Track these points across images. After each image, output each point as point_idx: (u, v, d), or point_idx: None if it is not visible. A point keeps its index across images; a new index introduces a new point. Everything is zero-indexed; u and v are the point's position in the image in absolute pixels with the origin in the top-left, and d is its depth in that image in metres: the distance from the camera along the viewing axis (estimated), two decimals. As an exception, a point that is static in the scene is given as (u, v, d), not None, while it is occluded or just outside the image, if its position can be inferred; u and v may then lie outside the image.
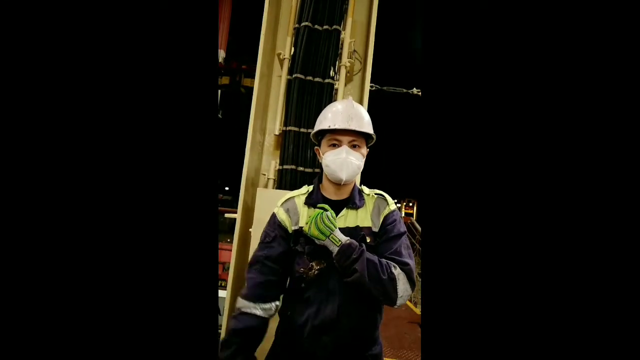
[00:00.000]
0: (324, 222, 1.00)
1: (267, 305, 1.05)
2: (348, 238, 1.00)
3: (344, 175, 1.05)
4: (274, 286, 1.07)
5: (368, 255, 0.99)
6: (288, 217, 1.10)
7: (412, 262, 1.03)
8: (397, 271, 0.99)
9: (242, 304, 1.04)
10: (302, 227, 1.07)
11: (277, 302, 1.08)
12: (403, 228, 1.10)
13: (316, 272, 1.02)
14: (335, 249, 0.99)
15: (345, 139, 1.06)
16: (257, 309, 1.03)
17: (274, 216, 1.12)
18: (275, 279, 1.07)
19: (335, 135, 1.07)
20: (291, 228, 1.09)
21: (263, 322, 1.04)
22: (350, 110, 1.07)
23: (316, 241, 1.01)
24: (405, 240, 1.08)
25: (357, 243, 1.00)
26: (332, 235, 1.00)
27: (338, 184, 1.08)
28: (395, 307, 1.01)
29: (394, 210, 1.13)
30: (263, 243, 1.10)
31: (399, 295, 0.98)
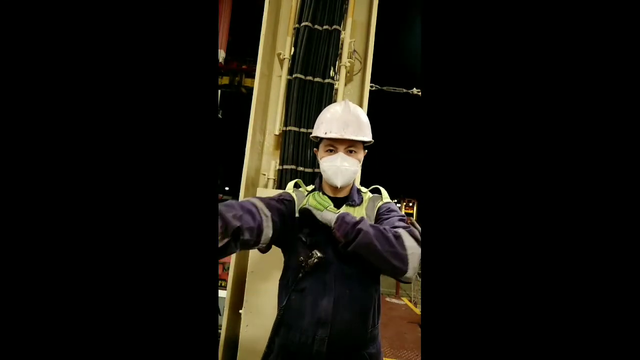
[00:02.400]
0: (320, 197, 1.03)
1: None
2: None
3: (339, 182, 1.08)
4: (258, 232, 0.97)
5: (365, 220, 0.98)
6: (298, 202, 1.13)
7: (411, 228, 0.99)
8: (399, 229, 0.96)
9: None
10: (303, 208, 1.07)
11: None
12: (400, 213, 1.11)
13: (316, 260, 1.03)
14: (334, 217, 0.99)
15: (341, 145, 1.09)
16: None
17: (283, 194, 1.15)
18: (268, 221, 1.00)
19: (331, 142, 1.10)
20: (297, 212, 1.11)
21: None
22: (346, 115, 1.09)
23: (314, 213, 1.00)
24: (402, 220, 1.05)
25: (351, 214, 1.01)
26: (329, 207, 1.01)
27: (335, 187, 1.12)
28: (406, 274, 0.92)
29: (387, 202, 1.17)
30: (274, 199, 1.07)
31: (408, 252, 0.91)
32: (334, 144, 1.09)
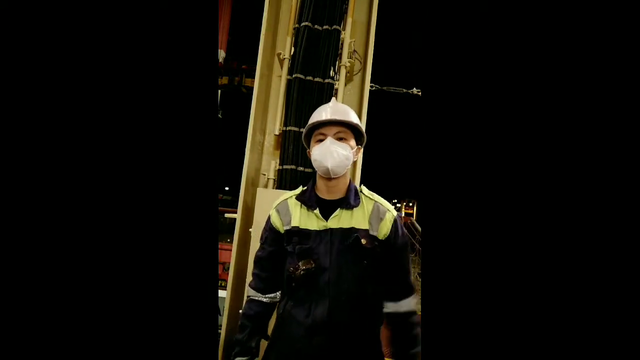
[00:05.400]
0: None
1: (271, 295, 1.16)
2: None
3: (329, 164, 1.02)
4: (274, 280, 1.15)
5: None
6: (279, 218, 1.12)
7: (411, 275, 1.15)
8: (415, 318, 1.09)
9: (251, 292, 1.17)
10: (294, 227, 1.09)
11: (280, 290, 1.17)
12: (405, 235, 1.15)
13: (302, 272, 1.03)
14: None
15: (331, 130, 1.06)
16: (263, 298, 1.15)
17: (268, 218, 1.17)
18: (274, 274, 1.15)
19: (321, 130, 1.07)
20: (283, 229, 1.11)
21: (270, 306, 1.17)
22: (335, 106, 1.12)
23: None
24: (408, 250, 1.17)
25: None
26: None
27: (329, 179, 1.07)
28: None
29: (397, 216, 1.14)
30: (260, 244, 1.19)
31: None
32: (323, 132, 1.07)
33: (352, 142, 1.10)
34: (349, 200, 1.09)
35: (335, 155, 1.03)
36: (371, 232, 1.08)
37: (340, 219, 1.08)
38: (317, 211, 1.08)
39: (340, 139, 1.06)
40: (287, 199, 1.16)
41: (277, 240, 1.12)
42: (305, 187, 1.16)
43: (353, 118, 1.10)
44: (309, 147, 1.16)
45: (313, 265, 1.03)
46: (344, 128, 1.07)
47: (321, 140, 1.07)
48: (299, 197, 1.13)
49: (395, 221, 1.10)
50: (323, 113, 1.09)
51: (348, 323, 1.03)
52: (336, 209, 1.09)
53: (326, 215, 1.08)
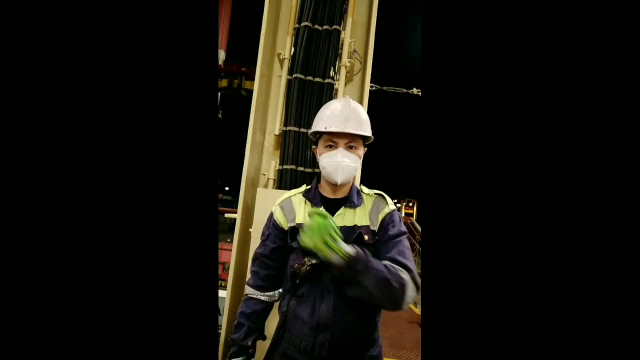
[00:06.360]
0: (328, 233, 0.94)
1: (270, 293, 1.14)
2: (354, 249, 0.96)
3: (339, 179, 1.05)
4: (273, 278, 1.14)
5: (374, 264, 0.95)
6: (283, 215, 1.13)
7: (414, 266, 1.02)
8: (405, 276, 0.96)
9: (249, 290, 1.15)
10: (298, 224, 1.09)
11: (280, 289, 1.16)
12: (403, 228, 1.11)
13: (308, 267, 1.03)
14: (341, 262, 0.94)
15: (342, 141, 1.07)
16: (262, 296, 1.14)
17: (271, 215, 1.17)
18: (274, 272, 1.14)
19: (331, 137, 1.07)
20: (287, 225, 1.11)
21: (268, 305, 1.15)
22: (347, 111, 1.07)
23: (319, 254, 0.96)
24: (406, 242, 1.08)
25: (363, 254, 0.96)
26: (339, 248, 0.94)
27: (335, 185, 1.09)
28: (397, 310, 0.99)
29: (393, 210, 1.13)
30: (261, 241, 1.17)
31: (406, 300, 0.96)
32: (334, 139, 1.07)
33: (361, 151, 1.11)
34: (352, 199, 1.12)
35: (346, 170, 1.05)
36: (371, 228, 1.09)
37: (344, 217, 1.10)
38: (322, 209, 1.09)
39: (350, 147, 1.07)
40: (290, 196, 1.17)
41: (279, 237, 1.12)
42: (310, 186, 1.17)
43: (365, 125, 1.09)
44: (315, 145, 1.15)
45: (319, 261, 1.02)
46: (355, 137, 1.07)
47: (331, 146, 1.08)
48: (305, 195, 1.14)
49: (389, 213, 1.11)
50: (337, 119, 1.05)
51: (352, 320, 1.04)
52: (340, 208, 1.11)
53: (330, 213, 1.08)
